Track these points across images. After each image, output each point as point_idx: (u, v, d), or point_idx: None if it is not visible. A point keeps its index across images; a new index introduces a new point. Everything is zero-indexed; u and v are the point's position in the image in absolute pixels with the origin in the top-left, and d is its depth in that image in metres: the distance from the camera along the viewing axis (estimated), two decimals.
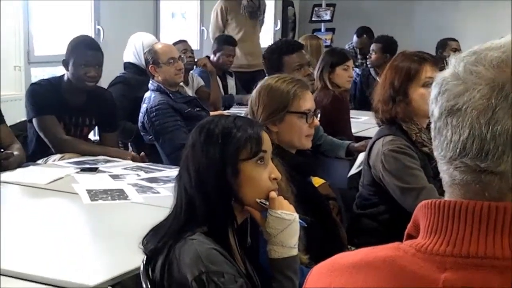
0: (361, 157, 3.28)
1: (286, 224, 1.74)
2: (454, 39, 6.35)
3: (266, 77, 2.50)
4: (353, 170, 3.26)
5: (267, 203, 1.74)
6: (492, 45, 0.87)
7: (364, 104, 5.43)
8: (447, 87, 0.85)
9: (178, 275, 1.64)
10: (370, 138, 3.77)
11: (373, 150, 2.62)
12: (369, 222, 2.69)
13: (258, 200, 1.74)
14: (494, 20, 7.84)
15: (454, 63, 0.87)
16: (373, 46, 5.78)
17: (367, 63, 5.82)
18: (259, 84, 2.46)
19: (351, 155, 3.60)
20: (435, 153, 0.89)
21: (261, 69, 6.60)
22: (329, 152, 3.62)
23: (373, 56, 5.76)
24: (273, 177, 1.77)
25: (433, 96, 0.88)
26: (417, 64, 2.55)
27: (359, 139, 3.95)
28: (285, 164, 2.03)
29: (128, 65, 4.54)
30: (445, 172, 0.87)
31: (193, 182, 1.71)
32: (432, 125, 0.88)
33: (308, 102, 2.34)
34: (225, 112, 4.91)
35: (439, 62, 2.68)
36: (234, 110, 5.08)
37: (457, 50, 6.19)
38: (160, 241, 1.71)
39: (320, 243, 2.27)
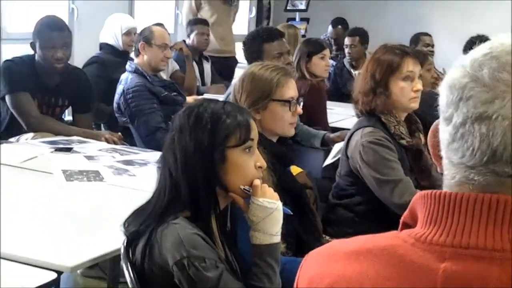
0: (336, 147, 3.31)
1: (269, 212, 1.75)
2: (427, 34, 6.40)
3: (250, 65, 2.49)
4: (328, 160, 3.28)
5: (251, 190, 1.75)
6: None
7: (338, 96, 5.47)
8: (472, 94, 0.86)
9: (159, 258, 1.64)
10: (345, 129, 3.83)
11: (352, 141, 2.64)
12: (344, 212, 2.71)
13: (242, 187, 1.74)
14: (467, 14, 7.93)
15: (469, 66, 0.87)
16: (349, 40, 5.80)
17: (348, 57, 5.83)
18: (243, 71, 2.45)
19: (326, 145, 3.62)
20: (453, 156, 0.88)
21: (232, 56, 6.63)
22: (304, 142, 3.63)
23: (354, 49, 5.77)
24: (258, 165, 1.77)
25: (450, 101, 0.88)
26: (399, 58, 2.57)
27: (333, 129, 3.98)
28: (266, 152, 2.04)
29: (104, 46, 4.49)
30: (459, 173, 0.88)
31: (179, 165, 1.70)
32: (450, 129, 0.88)
33: (291, 90, 2.35)
34: (199, 97, 4.89)
35: (421, 56, 2.73)
36: (206, 96, 5.06)
37: (429, 45, 6.25)
38: (142, 224, 1.70)
39: (297, 232, 2.29)
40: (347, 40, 5.81)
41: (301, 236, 2.30)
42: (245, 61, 7.20)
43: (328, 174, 3.46)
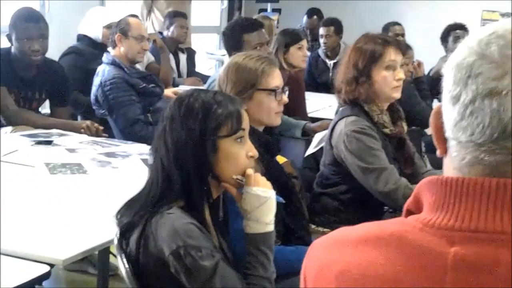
0: (317, 137, 3.33)
1: (262, 201, 1.75)
2: (397, 23, 6.43)
3: (234, 55, 2.48)
4: (310, 150, 3.29)
5: (244, 180, 1.75)
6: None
7: (313, 86, 5.49)
8: (481, 70, 0.86)
9: (154, 249, 1.64)
10: (325, 119, 3.85)
11: (335, 130, 2.65)
12: (330, 201, 2.73)
13: (235, 177, 1.75)
14: (435, 3, 8.01)
15: (476, 45, 0.89)
16: (324, 30, 5.80)
17: (323, 47, 5.84)
18: (226, 62, 2.45)
19: (307, 135, 3.63)
20: (461, 135, 0.89)
21: (189, 47, 6.55)
22: (284, 132, 3.64)
23: (329, 39, 5.79)
24: (250, 155, 1.78)
25: (457, 79, 0.89)
26: (381, 47, 2.59)
27: (311, 119, 4.00)
28: (254, 142, 2.04)
29: (81, 37, 4.45)
30: (469, 154, 0.89)
31: (171, 155, 1.70)
32: (458, 108, 0.88)
33: (276, 79, 2.35)
34: (176, 89, 4.87)
35: (403, 46, 2.75)
36: (184, 88, 5.04)
37: (399, 35, 6.28)
38: (135, 215, 1.70)
39: (284, 221, 2.30)
40: (322, 30, 5.82)
41: (288, 225, 2.31)
42: (220, 52, 7.22)
43: (309, 164, 3.48)
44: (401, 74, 2.61)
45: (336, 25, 5.83)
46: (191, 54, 6.32)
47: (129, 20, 3.88)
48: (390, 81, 2.59)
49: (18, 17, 3.47)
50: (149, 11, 6.24)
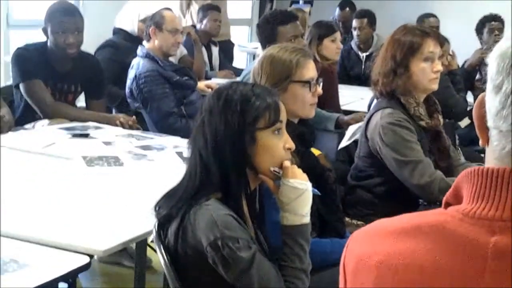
0: (351, 129, 3.32)
1: (299, 193, 1.76)
2: (432, 15, 6.36)
3: (268, 47, 2.49)
4: (343, 143, 3.29)
5: (281, 172, 1.76)
6: None
7: (346, 78, 5.46)
8: None
9: (192, 240, 1.65)
10: (358, 111, 3.84)
11: (371, 122, 2.65)
12: (364, 194, 2.72)
13: (272, 169, 1.76)
14: None
15: None
16: (357, 22, 5.76)
17: (356, 39, 5.80)
18: (261, 54, 2.45)
19: (340, 128, 3.63)
20: (502, 124, 0.89)
21: (228, 39, 6.59)
22: (317, 124, 3.62)
23: (362, 32, 5.75)
24: (287, 147, 1.78)
25: (500, 69, 0.89)
26: (419, 38, 2.57)
27: (344, 112, 3.99)
28: (289, 134, 2.04)
29: (117, 31, 4.50)
30: (509, 142, 0.89)
31: (209, 147, 1.71)
32: (500, 97, 0.89)
33: (311, 70, 2.35)
34: (209, 82, 4.90)
35: (441, 38, 2.73)
36: (216, 81, 5.07)
37: (434, 27, 6.22)
38: (174, 207, 1.72)
39: (319, 213, 2.30)
40: (355, 22, 5.78)
41: (324, 217, 2.31)
42: (251, 45, 7.24)
43: (342, 156, 3.47)
44: (439, 66, 2.60)
45: (369, 17, 5.79)
46: (229, 47, 6.36)
47: (163, 13, 3.91)
48: (428, 72, 2.58)
49: (53, 11, 3.52)
50: (188, 5, 6.28)
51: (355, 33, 5.77)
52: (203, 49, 5.50)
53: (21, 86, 3.49)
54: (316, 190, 1.83)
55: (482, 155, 2.73)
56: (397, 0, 8.54)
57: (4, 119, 3.06)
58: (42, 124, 3.37)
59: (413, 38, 2.57)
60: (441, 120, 2.72)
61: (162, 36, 3.81)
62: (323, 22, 4.35)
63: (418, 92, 2.62)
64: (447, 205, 1.00)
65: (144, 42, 3.91)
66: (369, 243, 1.02)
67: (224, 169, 1.70)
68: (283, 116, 1.78)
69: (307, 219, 1.79)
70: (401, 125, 2.56)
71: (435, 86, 2.62)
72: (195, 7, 6.18)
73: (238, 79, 3.99)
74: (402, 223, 0.99)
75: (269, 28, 3.55)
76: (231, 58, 6.52)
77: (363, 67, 5.67)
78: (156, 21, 3.84)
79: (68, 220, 2.07)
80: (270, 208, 1.90)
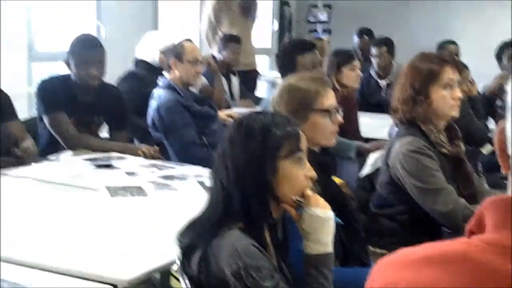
0: (372, 157, 3.32)
1: (321, 221, 1.77)
2: (453, 42, 6.37)
3: (286, 77, 2.51)
4: (365, 171, 3.29)
5: (303, 200, 1.77)
6: None
7: (366, 106, 5.46)
8: None
9: (216, 269, 1.66)
10: (378, 139, 3.84)
11: (392, 150, 2.65)
12: (386, 222, 2.71)
13: (294, 198, 1.77)
14: (491, 20, 7.92)
15: None
16: (376, 50, 5.78)
17: (376, 67, 5.81)
18: (280, 84, 2.48)
19: (361, 156, 3.63)
20: None
21: (253, 69, 6.67)
22: (339, 152, 3.64)
23: (382, 59, 5.76)
24: (308, 175, 1.79)
25: None
26: (438, 66, 2.58)
27: (365, 140, 3.99)
28: (310, 162, 2.06)
29: (138, 62, 4.56)
30: None
31: (231, 177, 1.72)
32: None
33: (330, 99, 2.36)
34: (230, 111, 4.93)
35: (460, 65, 2.74)
36: (237, 110, 5.10)
37: (454, 54, 6.22)
38: (197, 236, 1.73)
39: (342, 242, 2.30)
40: (374, 50, 5.80)
41: (346, 246, 2.31)
42: (271, 74, 7.32)
43: (363, 184, 3.47)
44: (459, 92, 2.60)
45: (388, 45, 5.81)
46: (254, 76, 6.43)
47: (183, 44, 3.96)
48: (448, 100, 2.58)
49: (75, 44, 3.58)
50: (214, 34, 6.37)
51: (374, 60, 5.79)
52: (223, 79, 5.55)
53: (45, 118, 3.54)
54: (338, 219, 1.84)
55: (506, 181, 2.70)
56: (416, 27, 8.58)
57: (29, 151, 3.11)
58: (66, 155, 3.40)
59: (432, 66, 2.59)
60: (463, 146, 2.72)
61: (183, 67, 3.86)
62: (342, 50, 4.38)
63: (439, 119, 2.63)
64: (471, 233, 1.00)
65: (165, 73, 3.96)
66: (392, 272, 1.02)
67: (246, 198, 1.72)
68: (304, 145, 1.79)
69: (330, 248, 1.79)
70: (422, 152, 2.56)
71: (455, 113, 2.62)
72: (221, 36, 6.28)
73: (259, 108, 4.02)
74: (425, 252, 0.99)
75: (288, 57, 3.59)
76: (254, 87, 6.60)
77: (383, 94, 5.67)
78: (176, 53, 3.89)
79: (93, 250, 2.09)
80: (294, 237, 1.91)
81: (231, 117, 4.39)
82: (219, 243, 1.67)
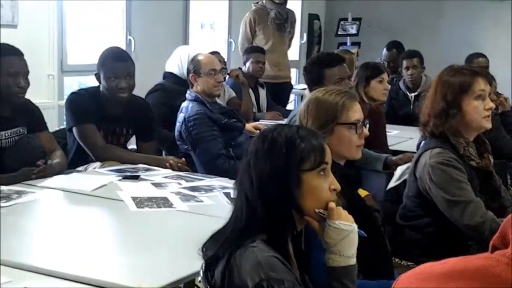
0: (399, 170, 3.30)
1: (345, 234, 1.76)
2: (482, 55, 6.31)
3: (313, 91, 2.52)
4: (392, 183, 3.27)
5: (326, 213, 1.77)
6: None
7: (394, 119, 5.44)
8: None
9: (238, 281, 1.66)
10: (406, 151, 3.81)
11: (420, 162, 2.64)
12: (413, 234, 2.70)
13: (317, 210, 1.76)
14: None
15: None
16: (408, 62, 5.74)
17: (409, 79, 5.76)
18: (307, 97, 2.48)
19: (388, 168, 3.61)
20: None
21: (288, 81, 6.72)
22: (366, 165, 3.62)
23: (415, 70, 5.72)
24: (333, 188, 1.79)
25: None
26: (469, 77, 2.58)
27: (393, 152, 3.97)
28: (335, 175, 2.05)
29: (167, 75, 4.61)
30: None
31: (255, 189, 1.72)
32: None
33: (357, 112, 2.36)
34: (257, 123, 4.95)
35: (489, 76, 2.72)
36: (264, 122, 5.12)
37: (483, 67, 6.16)
38: (220, 248, 1.73)
39: (367, 255, 2.29)
40: (406, 62, 5.75)
41: (370, 259, 2.29)
42: (299, 86, 7.36)
43: (391, 197, 3.45)
44: (490, 103, 2.59)
45: (420, 57, 5.79)
46: (288, 88, 6.49)
47: (197, 58, 3.98)
48: (481, 110, 2.57)
49: (106, 57, 3.63)
50: (252, 27, 6.49)
51: (407, 72, 5.73)
52: (251, 91, 5.57)
53: (74, 130, 3.59)
54: (362, 232, 1.82)
55: None
56: (444, 40, 8.53)
57: (58, 162, 3.16)
58: (94, 167, 3.45)
59: (463, 78, 2.58)
60: (492, 160, 2.69)
61: (202, 80, 3.89)
62: (370, 63, 4.37)
63: (471, 131, 2.62)
64: (494, 248, 0.99)
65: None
66: (415, 286, 1.02)
67: (269, 211, 1.71)
68: (328, 158, 1.79)
69: (353, 261, 1.78)
70: (451, 164, 2.54)
71: (488, 124, 2.61)
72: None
73: (286, 120, 4.03)
74: (449, 267, 0.99)
75: (316, 70, 3.58)
76: (288, 100, 6.65)
77: (411, 107, 5.64)
78: (193, 68, 3.92)
79: (118, 260, 2.11)
80: (316, 249, 1.90)
81: (258, 129, 4.40)
82: (242, 254, 1.67)
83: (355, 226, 1.79)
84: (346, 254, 1.77)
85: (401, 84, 5.87)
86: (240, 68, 5.71)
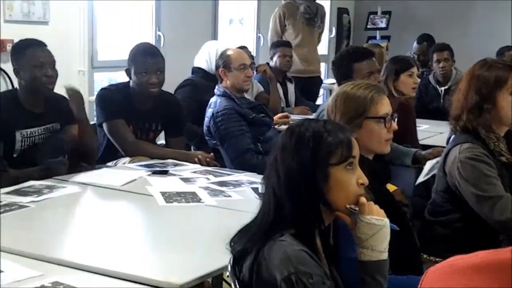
0: (428, 165, 3.27)
1: (377, 229, 1.76)
2: None
3: (341, 85, 2.51)
4: (421, 178, 3.24)
5: (357, 208, 1.76)
6: None
7: (424, 113, 5.39)
8: None
9: (267, 275, 1.66)
10: (436, 146, 3.78)
11: (449, 157, 2.61)
12: (442, 230, 2.67)
13: (348, 206, 1.76)
14: None
15: None
16: (439, 55, 5.68)
17: (441, 72, 5.71)
18: (335, 91, 2.47)
19: (418, 163, 3.58)
20: None
21: (317, 76, 6.71)
22: (395, 160, 3.60)
23: (447, 63, 5.66)
24: (360, 182, 1.78)
25: None
26: (505, 72, 2.55)
27: (423, 147, 3.94)
28: (363, 170, 2.04)
29: (196, 70, 4.63)
30: None
31: (282, 184, 1.73)
32: None
33: (385, 106, 2.35)
34: (284, 114, 4.95)
35: None
36: (292, 117, 5.12)
37: None
38: (248, 242, 1.74)
39: (396, 249, 2.28)
40: (437, 55, 5.69)
41: (400, 254, 2.28)
42: (328, 81, 7.35)
43: (420, 191, 3.42)
44: None
45: (450, 50, 5.73)
46: (318, 83, 6.50)
47: (228, 52, 3.99)
48: None
49: (136, 52, 3.65)
50: (282, 20, 6.53)
51: (438, 65, 5.67)
52: (279, 86, 5.57)
53: (104, 125, 3.62)
54: (394, 226, 1.82)
55: None
56: (474, 33, 8.43)
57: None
58: (124, 162, 3.48)
59: (498, 72, 2.55)
60: None
61: (232, 75, 3.90)
62: (400, 57, 4.33)
63: (503, 126, 2.59)
64: None
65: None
66: (444, 279, 1.02)
67: (297, 205, 1.71)
68: (356, 152, 1.78)
69: (385, 255, 1.78)
70: (481, 159, 2.51)
71: None
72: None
73: (314, 115, 4.02)
74: (476, 260, 0.99)
75: (344, 64, 3.56)
76: (317, 94, 6.65)
77: (441, 100, 5.59)
78: (223, 63, 3.92)
79: (147, 254, 2.13)
80: (345, 244, 1.89)
81: (285, 117, 4.45)
82: (271, 248, 1.67)
83: (387, 220, 1.78)
84: (378, 249, 1.76)
85: (431, 78, 5.81)
86: (268, 63, 5.71)
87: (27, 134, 3.17)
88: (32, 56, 3.14)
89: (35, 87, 3.15)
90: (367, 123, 2.31)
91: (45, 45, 3.22)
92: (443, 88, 5.68)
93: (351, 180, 1.76)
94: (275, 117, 4.54)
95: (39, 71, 3.13)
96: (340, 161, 1.74)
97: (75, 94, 3.28)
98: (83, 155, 3.29)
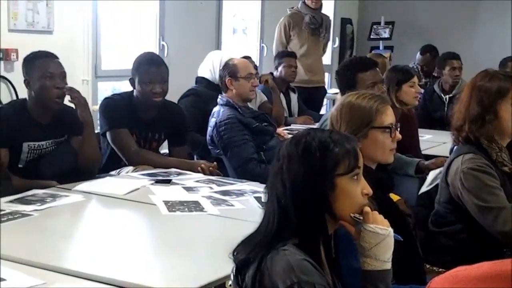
0: (431, 175, 3.27)
1: (381, 238, 1.76)
2: None
3: (345, 95, 2.51)
4: (424, 188, 3.24)
5: (361, 217, 1.76)
6: None
7: (427, 122, 5.40)
8: None
9: (269, 285, 1.66)
10: (439, 156, 3.78)
11: (452, 167, 2.61)
12: (445, 240, 2.67)
13: (352, 215, 1.76)
14: None
15: None
16: (456, 63, 5.64)
17: (454, 79, 5.69)
18: (338, 101, 2.48)
19: (421, 173, 3.58)
20: None
21: (322, 86, 6.72)
22: (398, 169, 3.60)
23: (459, 73, 5.66)
24: (365, 192, 1.78)
25: None
26: (506, 82, 2.55)
27: (425, 157, 3.94)
28: (367, 180, 2.04)
29: (200, 80, 4.64)
30: None
31: (288, 194, 1.72)
32: None
33: (390, 116, 2.35)
34: (287, 127, 4.96)
35: None
36: (295, 127, 5.13)
37: None
38: (251, 252, 1.74)
39: (399, 259, 2.27)
40: (453, 63, 5.66)
41: (403, 264, 2.27)
42: (331, 91, 7.35)
43: (423, 202, 3.42)
44: None
45: (460, 59, 5.74)
46: (322, 93, 6.51)
47: (235, 61, 4.00)
48: None
49: (141, 62, 3.66)
50: (287, 32, 6.53)
51: (454, 73, 5.66)
52: (282, 96, 5.58)
53: (108, 134, 3.63)
54: (398, 236, 1.82)
55: None
56: (479, 43, 8.44)
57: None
58: (127, 171, 3.48)
59: (500, 83, 2.55)
60: None
61: (239, 84, 3.91)
62: (399, 67, 4.30)
63: (505, 136, 2.60)
64: None
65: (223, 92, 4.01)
66: None
67: (302, 215, 1.71)
68: (361, 162, 1.78)
69: (388, 265, 1.77)
70: (483, 170, 2.51)
71: None
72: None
73: (317, 125, 4.02)
74: (481, 271, 0.99)
75: (348, 74, 3.56)
76: (320, 104, 6.65)
77: (446, 109, 5.59)
78: (230, 71, 3.93)
79: (150, 263, 2.13)
80: (347, 254, 1.89)
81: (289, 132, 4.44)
82: (274, 258, 1.67)
83: (391, 230, 1.78)
84: (381, 258, 1.76)
85: (435, 86, 5.82)
86: (272, 73, 5.72)
87: (34, 146, 3.17)
88: (42, 67, 3.15)
89: (45, 99, 3.15)
90: (372, 133, 2.31)
91: (56, 57, 3.23)
92: (447, 96, 5.69)
93: (356, 190, 1.76)
94: (279, 130, 4.54)
95: (49, 82, 3.13)
96: (347, 171, 1.74)
97: (79, 95, 3.27)
98: (85, 166, 3.28)
